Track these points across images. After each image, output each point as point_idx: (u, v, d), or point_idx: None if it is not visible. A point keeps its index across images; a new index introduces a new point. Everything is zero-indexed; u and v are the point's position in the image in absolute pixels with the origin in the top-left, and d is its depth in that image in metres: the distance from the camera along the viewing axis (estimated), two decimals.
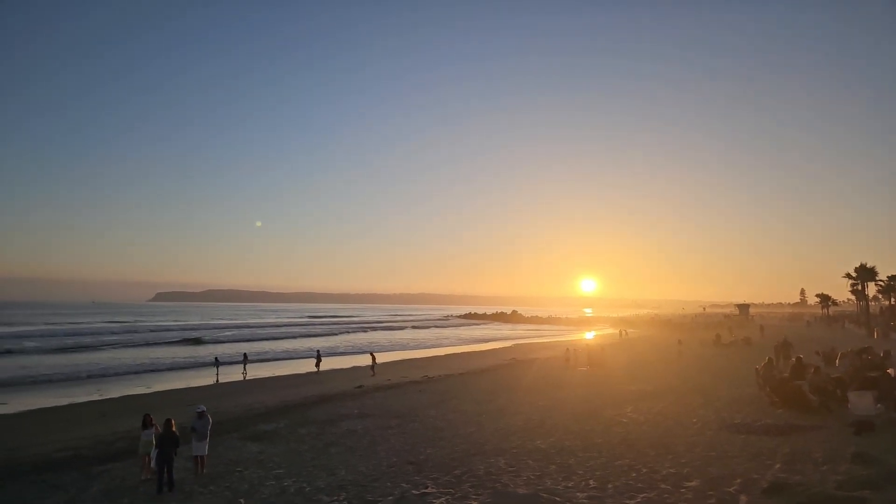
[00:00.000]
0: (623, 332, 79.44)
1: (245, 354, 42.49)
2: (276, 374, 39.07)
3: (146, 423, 13.61)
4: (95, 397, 29.66)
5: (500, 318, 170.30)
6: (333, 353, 55.71)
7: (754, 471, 10.87)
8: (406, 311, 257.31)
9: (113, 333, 76.24)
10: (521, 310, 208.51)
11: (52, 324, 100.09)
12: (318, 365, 39.99)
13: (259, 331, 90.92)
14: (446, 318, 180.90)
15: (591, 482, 10.82)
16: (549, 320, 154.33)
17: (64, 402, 27.94)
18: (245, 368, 39.16)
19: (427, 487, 11.03)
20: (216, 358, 42.31)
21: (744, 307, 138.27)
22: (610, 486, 10.53)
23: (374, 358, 39.27)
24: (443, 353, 57.19)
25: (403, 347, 66.76)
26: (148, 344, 62.64)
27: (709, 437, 14.19)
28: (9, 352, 50.35)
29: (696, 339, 59.93)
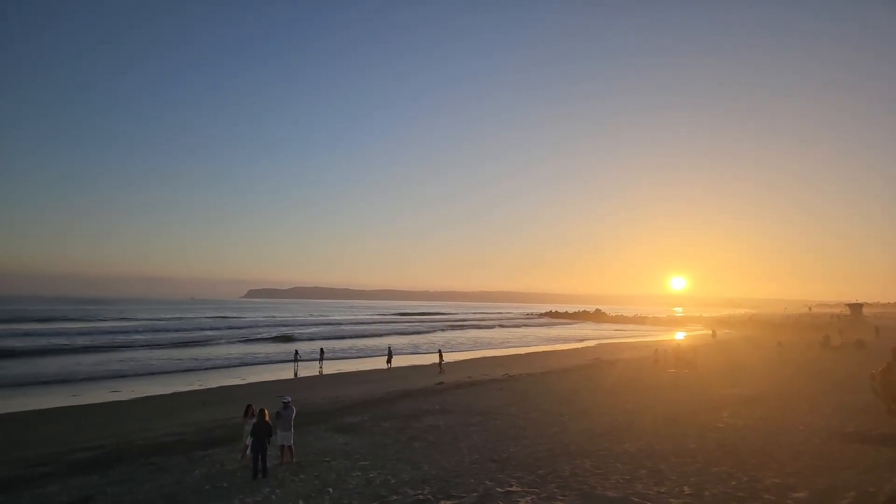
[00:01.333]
0: (716, 333, 75.22)
1: (322, 350, 44.44)
2: (352, 369, 40.42)
3: (248, 413, 14.44)
4: (196, 387, 32.02)
5: (582, 316, 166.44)
6: (415, 352, 56.76)
7: (870, 483, 9.95)
8: (487, 309, 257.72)
9: (213, 329, 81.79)
10: (605, 308, 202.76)
11: (158, 319, 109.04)
12: (389, 362, 40.89)
13: (345, 328, 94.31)
14: (528, 316, 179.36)
15: (686, 489, 10.34)
16: (635, 319, 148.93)
17: (168, 391, 30.38)
18: (321, 364, 41.06)
19: (511, 486, 10.99)
20: (296, 352, 44.48)
21: (856, 307, 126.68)
22: (707, 493, 10.02)
23: (441, 356, 39.76)
24: (524, 352, 56.75)
25: (484, 345, 66.88)
26: (246, 340, 66.64)
27: (817, 446, 13.15)
28: (120, 346, 55.31)
29: (802, 341, 55.63)
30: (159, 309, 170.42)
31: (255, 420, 13.78)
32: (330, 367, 41.22)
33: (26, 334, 65.85)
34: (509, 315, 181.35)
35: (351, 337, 72.99)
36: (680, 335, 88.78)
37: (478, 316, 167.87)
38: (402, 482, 11.86)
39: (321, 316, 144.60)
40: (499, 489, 10.79)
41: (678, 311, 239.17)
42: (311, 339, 66.44)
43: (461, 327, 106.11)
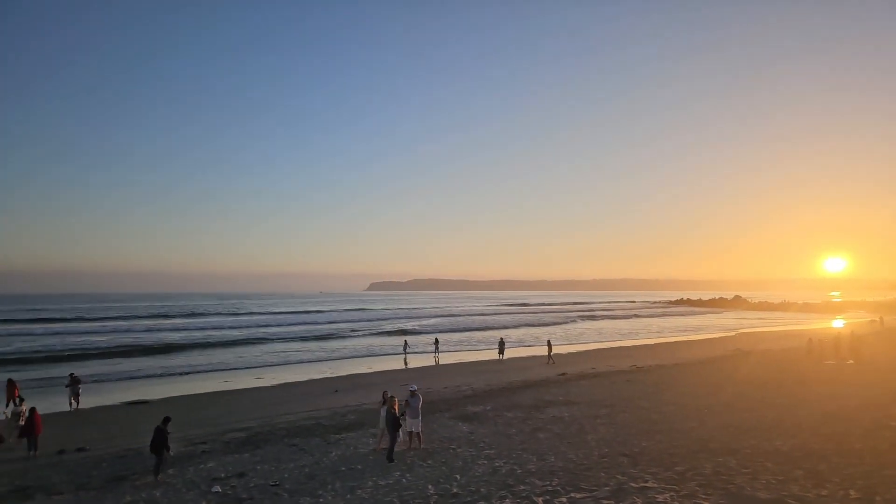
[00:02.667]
0: (884, 320, 66.43)
1: (437, 340, 45.60)
2: (470, 360, 40.97)
3: (385, 400, 15.16)
4: (328, 375, 34.36)
5: (720, 303, 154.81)
6: (530, 344, 56.28)
7: None
8: (613, 298, 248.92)
9: (340, 322, 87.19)
10: (745, 294, 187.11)
11: (293, 312, 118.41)
12: (501, 353, 40.61)
13: (462, 319, 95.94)
14: (661, 303, 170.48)
15: (852, 492, 9.28)
16: (783, 306, 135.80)
17: (304, 378, 32.89)
18: (437, 354, 42.32)
19: (646, 481, 10.55)
20: (405, 342, 46.65)
21: None
22: (878, 497, 8.91)
23: (550, 346, 39.05)
24: (653, 342, 54.11)
25: (610, 336, 64.73)
26: (370, 333, 70.27)
27: None
28: (262, 339, 60.75)
29: None
30: (293, 303, 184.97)
31: (385, 405, 14.44)
32: (447, 358, 42.19)
33: (184, 329, 74.57)
34: (641, 303, 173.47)
35: (467, 329, 73.76)
36: (839, 323, 79.59)
37: (606, 304, 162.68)
38: (528, 472, 11.84)
39: (438, 307, 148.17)
40: (633, 484, 10.40)
41: (835, 296, 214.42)
42: (426, 331, 68.01)
43: (593, 317, 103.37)
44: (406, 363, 40.05)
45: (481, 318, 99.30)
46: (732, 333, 63.35)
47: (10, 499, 12.43)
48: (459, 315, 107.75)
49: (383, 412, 14.57)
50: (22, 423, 17.55)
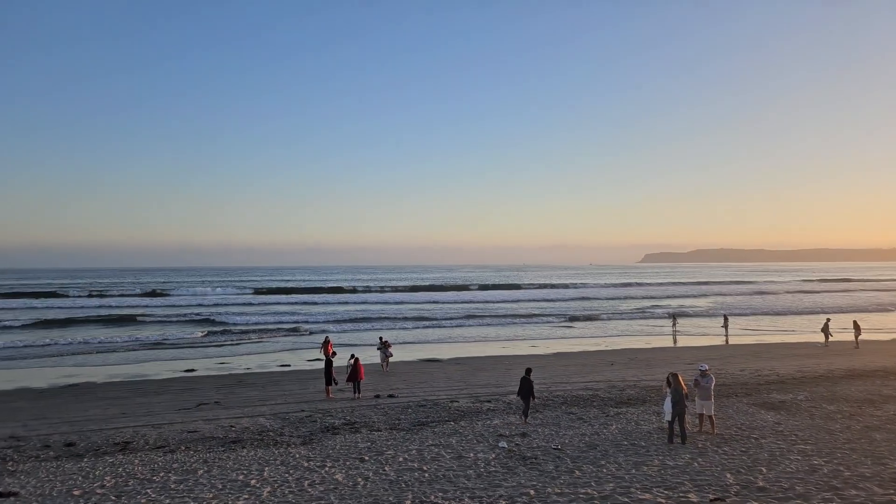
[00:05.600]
0: None
1: (725, 317, 41.51)
2: (774, 341, 35.85)
3: (669, 383, 14.27)
4: (602, 348, 34.11)
5: None
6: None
7: None
8: None
9: (614, 299, 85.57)
10: None
11: (561, 286, 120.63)
12: (826, 338, 33.64)
13: (769, 299, 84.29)
14: None
15: None
16: None
17: (577, 349, 33.27)
18: (727, 332, 38.95)
19: None
20: (674, 317, 44.90)
21: None
22: None
23: (857, 328, 31.55)
24: None
25: None
26: (641, 311, 67.47)
27: None
28: (529, 315, 63.30)
29: None
30: (565, 275, 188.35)
31: (666, 385, 13.61)
32: (743, 338, 37.86)
33: (481, 301, 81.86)
34: None
35: (767, 313, 63.55)
36: None
37: None
38: (861, 476, 9.89)
39: (722, 282, 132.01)
40: None
41: None
42: (701, 313, 61.12)
43: None
44: (675, 341, 37.91)
45: (789, 296, 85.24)
46: None
47: (343, 430, 15.37)
48: (757, 292, 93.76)
49: (668, 394, 13.71)
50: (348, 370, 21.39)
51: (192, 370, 28.02)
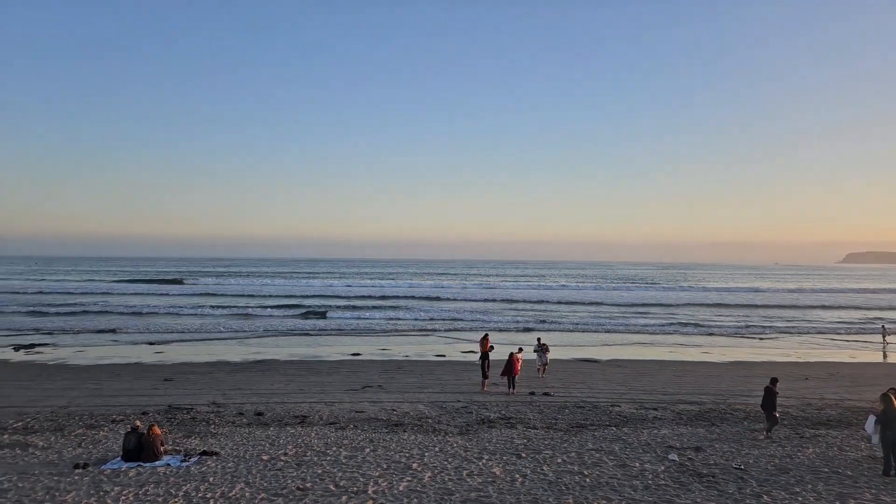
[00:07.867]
0: None
1: (883, 327, 38.28)
2: None
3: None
4: (793, 359, 30.48)
5: None
6: None
7: None
8: None
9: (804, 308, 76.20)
10: None
11: (737, 290, 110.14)
12: None
13: None
14: None
15: None
16: None
17: (756, 359, 30.14)
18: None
19: None
20: (883, 327, 40.32)
21: None
22: None
23: None
24: None
25: None
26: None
27: None
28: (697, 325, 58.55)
29: None
30: (742, 276, 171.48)
31: (882, 407, 11.71)
32: None
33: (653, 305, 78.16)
34: None
35: None
36: None
37: None
38: None
39: None
40: None
41: None
42: None
43: None
44: (885, 354, 33.61)
45: None
46: None
47: (499, 424, 15.46)
48: None
49: (872, 417, 11.79)
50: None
51: (358, 354, 30.21)
